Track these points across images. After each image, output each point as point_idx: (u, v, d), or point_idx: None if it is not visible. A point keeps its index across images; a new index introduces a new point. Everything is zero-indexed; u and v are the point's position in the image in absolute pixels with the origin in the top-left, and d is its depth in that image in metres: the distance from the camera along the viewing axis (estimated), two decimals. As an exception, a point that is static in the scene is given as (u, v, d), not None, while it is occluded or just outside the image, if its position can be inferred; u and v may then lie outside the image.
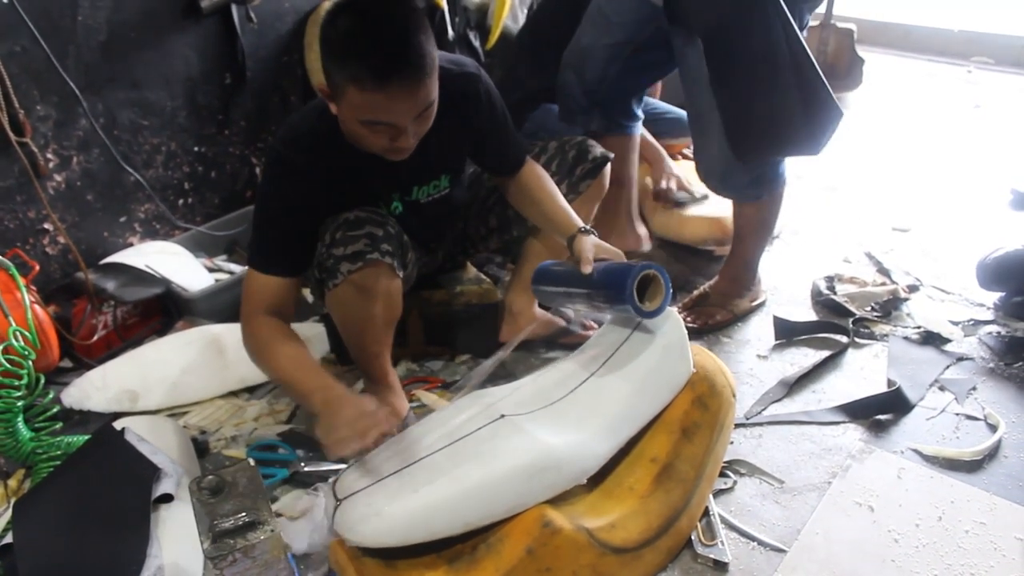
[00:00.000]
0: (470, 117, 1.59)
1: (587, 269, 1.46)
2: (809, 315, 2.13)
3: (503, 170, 1.73)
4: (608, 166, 1.83)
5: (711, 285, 2.12)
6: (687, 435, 1.37)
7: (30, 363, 1.51)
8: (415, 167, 1.55)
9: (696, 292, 2.13)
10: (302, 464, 1.62)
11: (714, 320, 2.06)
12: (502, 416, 1.28)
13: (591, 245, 1.51)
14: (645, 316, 1.36)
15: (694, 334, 1.98)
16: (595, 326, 2.02)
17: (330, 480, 1.30)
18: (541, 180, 1.71)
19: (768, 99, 1.67)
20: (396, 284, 1.55)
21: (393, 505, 1.14)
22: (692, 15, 1.69)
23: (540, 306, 2.02)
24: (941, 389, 1.83)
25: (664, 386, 1.38)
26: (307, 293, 2.19)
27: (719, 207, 2.35)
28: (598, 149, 1.82)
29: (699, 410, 1.40)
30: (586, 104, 2.14)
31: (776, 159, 1.89)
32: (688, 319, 2.05)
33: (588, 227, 1.58)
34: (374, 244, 1.47)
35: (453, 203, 1.74)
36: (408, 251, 1.59)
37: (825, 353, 1.94)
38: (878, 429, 1.71)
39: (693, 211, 2.41)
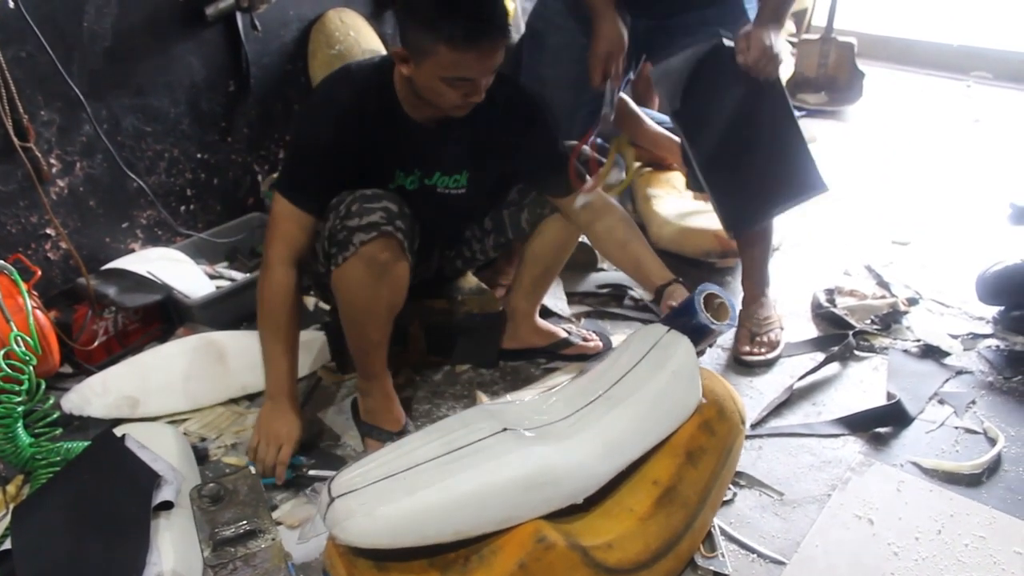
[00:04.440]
0: (518, 133, 1.65)
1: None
2: (809, 328, 2.14)
3: (557, 188, 1.72)
4: None
5: (743, 312, 2.06)
6: (692, 459, 1.35)
7: (31, 368, 1.52)
8: (446, 152, 1.63)
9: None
10: (305, 470, 1.61)
11: (778, 339, 2.03)
12: (504, 429, 1.28)
13: (683, 295, 1.56)
14: (720, 328, 1.39)
15: (764, 365, 1.98)
16: (594, 337, 2.02)
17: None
18: (625, 219, 1.72)
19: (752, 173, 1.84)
20: (404, 266, 1.55)
21: (385, 506, 1.14)
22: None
23: (541, 315, 2.03)
24: (940, 402, 1.83)
25: (671, 412, 1.36)
26: (308, 302, 2.19)
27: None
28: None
29: (706, 435, 1.37)
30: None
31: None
32: (755, 352, 2.00)
33: (679, 278, 1.62)
34: (390, 218, 1.49)
35: (460, 208, 1.75)
36: (416, 239, 1.60)
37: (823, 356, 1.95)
38: (878, 442, 1.72)
39: (694, 223, 2.41)
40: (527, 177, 1.76)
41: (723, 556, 1.42)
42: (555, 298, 2.19)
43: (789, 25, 4.17)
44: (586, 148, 1.83)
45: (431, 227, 1.76)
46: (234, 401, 1.86)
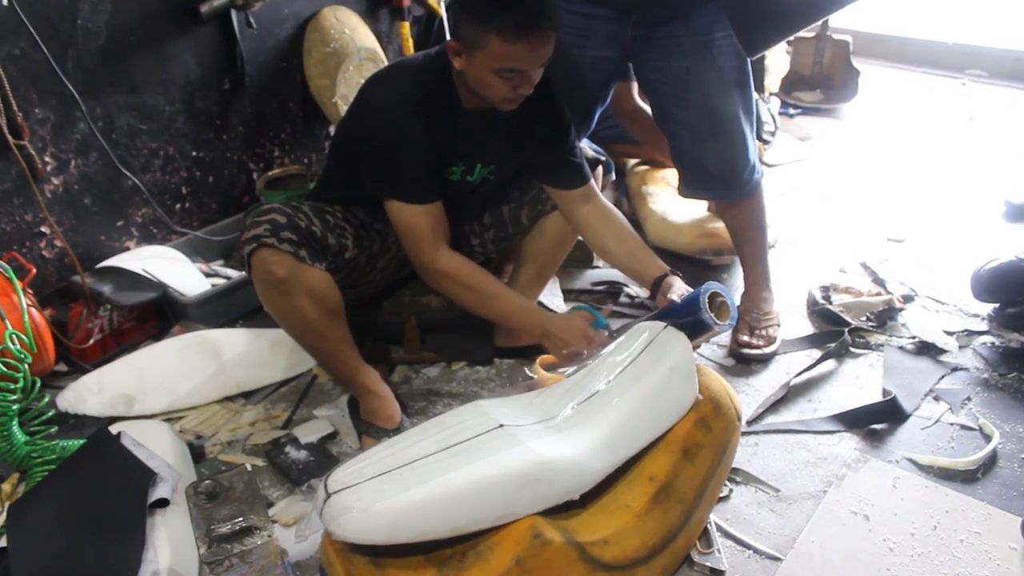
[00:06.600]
0: (539, 121, 1.67)
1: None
2: (805, 325, 2.14)
3: (565, 180, 1.74)
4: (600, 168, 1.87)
5: (743, 306, 2.06)
6: (688, 456, 1.35)
7: (26, 367, 1.51)
8: (490, 142, 1.66)
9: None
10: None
11: (776, 335, 2.03)
12: (500, 426, 1.28)
13: (681, 287, 1.58)
14: (722, 328, 1.40)
15: (761, 360, 1.98)
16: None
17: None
18: (620, 216, 1.75)
19: None
20: (313, 273, 1.53)
21: (381, 502, 1.14)
22: None
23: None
24: (936, 399, 1.83)
25: (667, 409, 1.36)
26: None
27: (716, 217, 2.36)
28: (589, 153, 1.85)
29: (702, 431, 1.37)
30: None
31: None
32: (752, 343, 2.00)
33: (675, 270, 1.64)
34: (274, 230, 1.50)
35: (478, 195, 1.78)
36: (329, 242, 1.59)
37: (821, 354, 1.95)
38: (873, 438, 1.72)
39: (690, 220, 2.42)
40: (538, 166, 1.76)
41: (719, 552, 1.42)
42: (551, 295, 2.19)
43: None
44: (586, 148, 1.83)
45: (453, 217, 1.77)
46: (230, 399, 1.86)
